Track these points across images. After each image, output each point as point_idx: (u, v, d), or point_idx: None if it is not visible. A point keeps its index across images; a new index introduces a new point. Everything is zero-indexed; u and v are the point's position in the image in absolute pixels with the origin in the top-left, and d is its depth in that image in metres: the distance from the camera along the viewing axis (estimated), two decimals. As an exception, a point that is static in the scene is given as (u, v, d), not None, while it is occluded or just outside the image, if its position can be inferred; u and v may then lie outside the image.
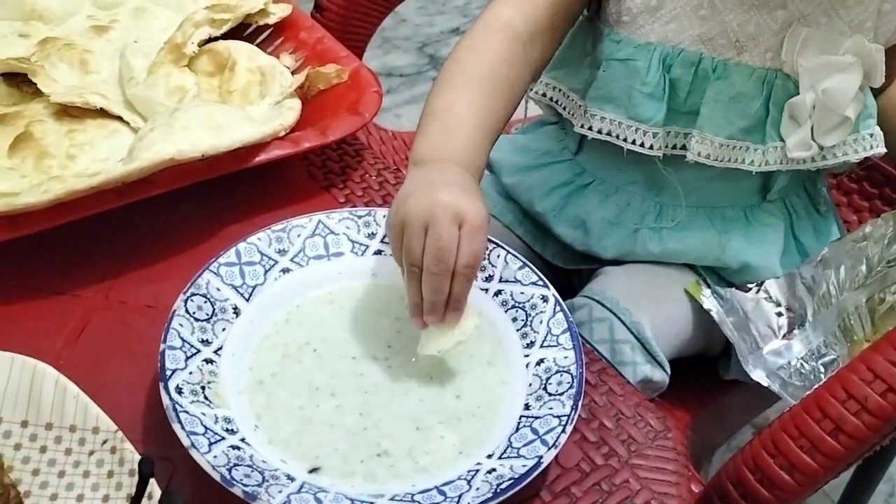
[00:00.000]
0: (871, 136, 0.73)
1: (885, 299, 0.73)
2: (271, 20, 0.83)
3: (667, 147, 0.75)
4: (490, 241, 0.64)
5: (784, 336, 0.77)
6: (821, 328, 0.77)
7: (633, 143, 0.74)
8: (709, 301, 0.76)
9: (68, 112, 0.70)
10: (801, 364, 0.76)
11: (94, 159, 0.67)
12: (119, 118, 0.72)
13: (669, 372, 0.75)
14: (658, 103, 0.73)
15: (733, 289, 0.78)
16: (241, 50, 0.77)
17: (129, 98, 0.75)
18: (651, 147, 0.74)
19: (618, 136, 0.75)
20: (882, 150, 0.74)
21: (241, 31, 0.84)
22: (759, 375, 0.73)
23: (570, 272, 0.86)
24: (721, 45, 0.71)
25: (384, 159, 0.80)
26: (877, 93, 0.75)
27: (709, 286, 0.78)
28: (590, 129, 0.76)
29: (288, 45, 0.83)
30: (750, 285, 0.78)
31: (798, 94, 0.71)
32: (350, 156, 0.78)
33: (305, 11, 0.90)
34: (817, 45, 0.70)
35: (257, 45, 0.81)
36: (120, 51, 0.79)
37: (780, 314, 0.78)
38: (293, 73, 0.79)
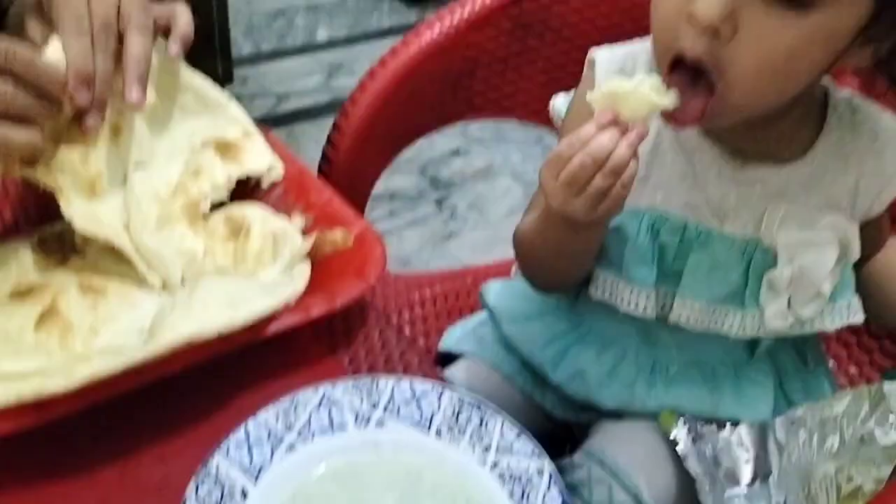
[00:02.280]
0: (848, 306, 0.77)
1: (852, 478, 0.74)
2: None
3: (658, 307, 0.78)
4: (487, 406, 0.67)
5: (747, 485, 0.78)
6: (784, 487, 0.78)
7: (629, 304, 0.78)
8: (678, 431, 0.77)
9: (92, 284, 0.74)
10: (759, 518, 0.76)
11: (116, 333, 0.71)
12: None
13: (666, 535, 0.77)
14: (648, 266, 0.77)
15: (712, 425, 0.79)
16: (255, 216, 0.82)
17: (135, 242, 0.76)
18: (645, 309, 0.78)
19: (612, 297, 0.79)
20: (859, 318, 0.77)
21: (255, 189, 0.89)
22: None
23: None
24: (705, 214, 0.76)
25: (385, 310, 0.83)
26: (864, 260, 0.78)
27: (683, 416, 0.80)
28: (591, 290, 0.80)
29: (299, 204, 0.87)
30: (727, 422, 0.80)
31: (776, 265, 0.75)
32: (354, 315, 0.81)
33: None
34: (796, 221, 0.74)
35: (273, 202, 0.86)
36: (124, 172, 0.78)
37: (747, 461, 0.79)
38: (303, 232, 0.84)
